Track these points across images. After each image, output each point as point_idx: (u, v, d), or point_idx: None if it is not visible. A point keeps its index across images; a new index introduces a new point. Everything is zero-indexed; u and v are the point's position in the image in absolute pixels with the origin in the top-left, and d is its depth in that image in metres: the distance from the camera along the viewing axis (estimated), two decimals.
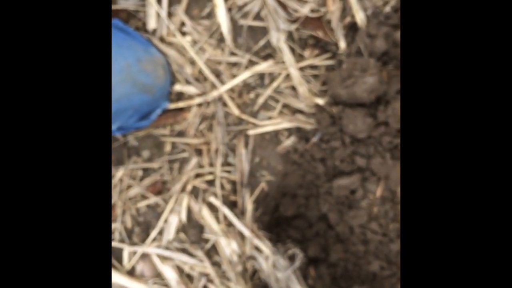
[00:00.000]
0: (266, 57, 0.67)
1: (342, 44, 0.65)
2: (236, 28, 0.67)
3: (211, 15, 0.67)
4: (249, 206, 0.65)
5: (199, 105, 0.67)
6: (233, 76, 0.67)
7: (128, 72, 0.59)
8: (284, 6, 0.65)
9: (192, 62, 0.67)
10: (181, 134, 0.68)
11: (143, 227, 0.68)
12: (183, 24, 0.67)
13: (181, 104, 0.67)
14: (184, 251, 0.66)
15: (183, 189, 0.67)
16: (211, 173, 0.67)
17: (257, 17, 0.66)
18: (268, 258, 0.62)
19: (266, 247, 0.63)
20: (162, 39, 0.67)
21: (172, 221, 0.66)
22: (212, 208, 0.66)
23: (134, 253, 0.67)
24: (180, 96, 0.68)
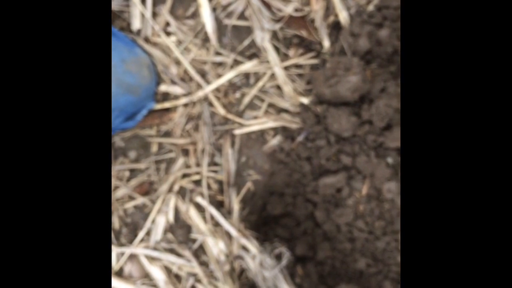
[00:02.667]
0: (251, 57, 0.67)
1: (326, 43, 0.65)
2: (220, 27, 0.67)
3: (195, 15, 0.67)
4: (236, 205, 0.66)
5: (185, 105, 0.67)
6: (219, 76, 0.67)
7: (113, 73, 0.59)
8: (268, 6, 0.65)
9: (177, 62, 0.67)
10: (167, 134, 0.68)
11: (131, 228, 0.68)
12: (167, 24, 0.67)
13: (167, 105, 0.67)
14: (171, 251, 0.66)
15: (170, 190, 0.67)
16: (198, 173, 0.67)
17: (242, 16, 0.66)
18: (255, 257, 0.63)
19: (253, 246, 0.63)
20: (147, 39, 0.67)
21: (159, 222, 0.66)
22: (199, 208, 0.66)
23: (122, 254, 0.67)
24: (166, 96, 0.68)
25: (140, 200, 0.67)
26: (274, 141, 0.66)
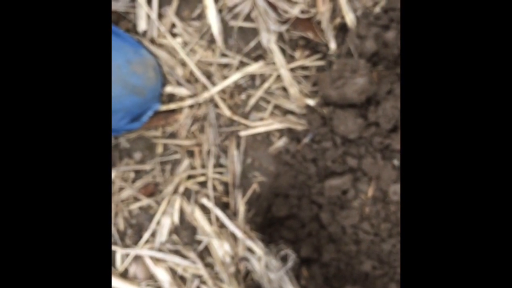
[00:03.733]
0: (257, 58, 0.67)
1: (332, 45, 0.65)
2: (226, 29, 0.67)
3: (201, 16, 0.67)
4: (242, 207, 0.65)
5: (191, 106, 0.67)
6: (224, 77, 0.67)
7: (118, 74, 0.59)
8: (274, 7, 0.65)
9: (183, 64, 0.67)
10: (172, 135, 0.68)
11: (136, 229, 0.68)
12: (173, 25, 0.67)
13: (172, 106, 0.67)
14: (177, 252, 0.66)
15: (175, 191, 0.67)
16: (203, 174, 0.67)
17: (248, 18, 0.66)
18: (260, 259, 0.63)
19: (258, 248, 0.63)
20: (152, 41, 0.67)
21: (164, 223, 0.66)
22: (205, 210, 0.66)
23: (127, 255, 0.67)
24: (171, 97, 0.68)
25: (145, 201, 0.67)
26: (280, 143, 0.66)
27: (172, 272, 0.66)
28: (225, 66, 0.67)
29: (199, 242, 0.66)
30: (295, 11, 0.64)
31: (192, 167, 0.67)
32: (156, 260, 0.66)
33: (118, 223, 0.67)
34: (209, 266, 0.65)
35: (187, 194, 0.67)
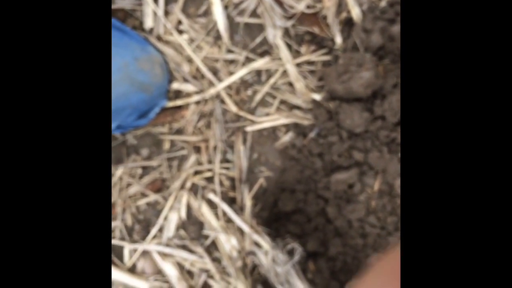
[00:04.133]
0: (263, 54, 0.67)
1: (338, 40, 0.65)
2: (232, 25, 0.67)
3: (207, 13, 0.67)
4: (248, 202, 0.66)
5: (197, 102, 0.67)
6: (230, 73, 0.67)
7: (126, 71, 0.59)
8: (280, 3, 0.66)
9: (190, 60, 0.67)
10: (179, 131, 0.68)
11: (143, 225, 0.68)
12: (179, 22, 0.68)
13: (179, 102, 0.67)
14: (184, 247, 0.67)
15: (182, 187, 0.67)
16: (210, 170, 0.67)
17: (254, 14, 0.67)
18: (267, 253, 0.63)
19: (265, 242, 0.63)
20: (159, 38, 0.67)
21: (172, 218, 0.67)
22: (212, 205, 0.67)
23: (135, 250, 0.67)
24: (178, 94, 0.68)
25: (152, 197, 0.67)
26: (286, 138, 0.67)
27: (180, 267, 0.66)
28: (231, 62, 0.67)
29: (206, 237, 0.66)
30: (301, 6, 0.65)
31: (199, 163, 0.68)
32: (164, 255, 0.66)
33: (125, 218, 0.68)
34: (216, 260, 0.66)
35: (194, 189, 0.67)
